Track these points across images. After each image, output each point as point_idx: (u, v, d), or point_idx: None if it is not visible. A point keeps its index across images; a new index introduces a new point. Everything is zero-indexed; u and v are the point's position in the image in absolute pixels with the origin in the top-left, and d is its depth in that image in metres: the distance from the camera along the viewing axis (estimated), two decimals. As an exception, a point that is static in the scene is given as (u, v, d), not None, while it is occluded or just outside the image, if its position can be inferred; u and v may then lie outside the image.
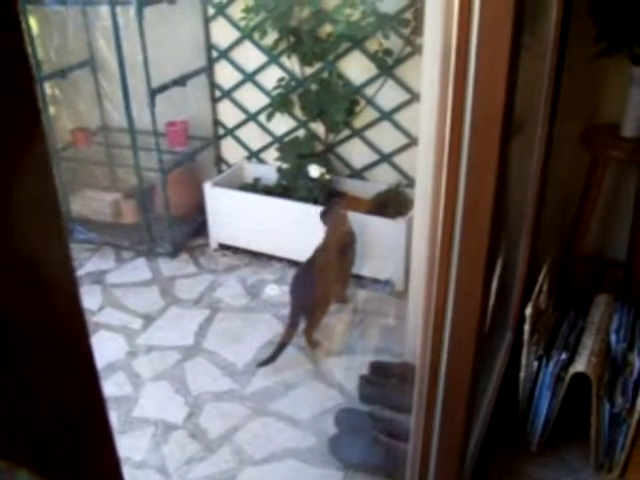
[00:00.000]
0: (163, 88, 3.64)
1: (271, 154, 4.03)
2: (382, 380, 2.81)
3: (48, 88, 4.13)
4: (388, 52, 3.35)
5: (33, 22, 3.95)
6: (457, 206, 1.32)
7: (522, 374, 2.26)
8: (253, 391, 2.97)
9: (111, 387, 3.08)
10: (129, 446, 2.74)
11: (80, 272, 4.03)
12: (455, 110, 1.24)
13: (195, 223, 4.22)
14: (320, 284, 3.18)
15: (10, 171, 0.41)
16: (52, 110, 4.22)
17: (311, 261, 3.18)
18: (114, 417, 2.90)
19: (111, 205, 4.39)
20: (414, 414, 1.62)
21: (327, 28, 3.38)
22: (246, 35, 3.72)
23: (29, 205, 0.42)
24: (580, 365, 2.15)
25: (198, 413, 2.88)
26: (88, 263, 4.13)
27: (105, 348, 3.35)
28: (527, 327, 2.18)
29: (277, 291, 3.68)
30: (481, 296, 1.37)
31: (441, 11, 1.20)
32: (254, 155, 4.17)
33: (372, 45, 3.42)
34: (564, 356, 2.20)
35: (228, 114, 4.13)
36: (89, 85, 4.31)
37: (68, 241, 0.48)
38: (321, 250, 3.18)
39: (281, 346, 3.07)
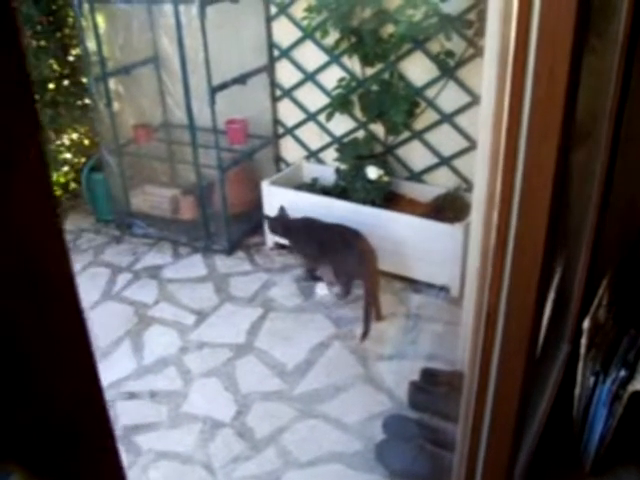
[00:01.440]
0: (223, 86, 3.66)
1: (330, 154, 4.01)
2: (432, 388, 2.75)
3: (112, 84, 4.21)
4: (450, 54, 3.29)
5: (100, 20, 4.03)
6: (511, 214, 1.27)
7: (577, 390, 2.17)
8: (302, 392, 2.96)
9: (162, 381, 3.12)
10: (176, 441, 2.76)
11: (137, 266, 4.10)
12: (511, 114, 1.19)
13: (252, 221, 4.24)
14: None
15: (9, 175, 0.40)
16: (116, 106, 4.30)
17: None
18: (164, 411, 2.93)
19: (170, 201, 4.44)
20: (460, 425, 1.57)
21: (389, 28, 3.34)
22: (308, 34, 3.71)
23: (27, 209, 0.41)
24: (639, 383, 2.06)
25: (246, 412, 2.88)
26: (145, 257, 4.19)
27: (158, 342, 3.39)
28: (584, 341, 2.09)
29: (326, 291, 3.67)
30: (534, 307, 1.32)
31: (499, 11, 1.15)
32: (313, 155, 4.16)
33: (434, 46, 3.37)
34: (623, 373, 2.11)
35: (288, 113, 4.13)
36: (152, 82, 4.38)
37: (66, 243, 0.46)
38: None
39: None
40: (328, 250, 3.50)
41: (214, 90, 3.61)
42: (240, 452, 2.67)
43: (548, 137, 1.14)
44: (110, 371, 3.21)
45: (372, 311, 3.32)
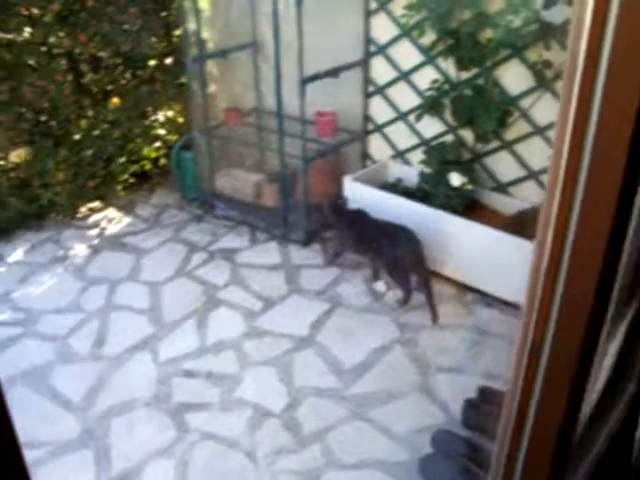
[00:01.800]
0: (315, 78, 3.65)
1: (417, 156, 3.93)
2: (488, 407, 2.65)
3: (209, 66, 4.27)
4: (548, 64, 3.14)
5: (204, 2, 4.09)
6: (567, 240, 1.18)
7: (639, 433, 2.04)
8: (355, 393, 2.92)
9: (220, 364, 3.15)
10: (224, 424, 2.78)
11: (214, 247, 4.16)
12: (575, 133, 1.11)
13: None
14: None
15: None
16: (210, 88, 4.36)
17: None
18: (216, 393, 2.96)
19: (254, 186, 4.48)
20: (495, 453, 1.50)
21: (487, 33, 3.22)
22: (405, 33, 3.64)
23: None
24: None
25: (297, 405, 2.87)
26: (223, 239, 4.25)
27: (222, 325, 3.42)
28: (652, 382, 1.96)
29: (384, 288, 3.61)
30: (581, 343, 1.23)
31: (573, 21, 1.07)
32: (400, 155, 4.10)
33: (532, 55, 3.23)
34: (691, 421, 1.96)
35: (379, 110, 4.08)
36: (248, 67, 4.42)
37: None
38: None
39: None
40: (377, 246, 3.53)
41: (305, 81, 3.60)
42: (285, 445, 2.66)
43: (615, 151, 1.06)
44: (171, 347, 3.27)
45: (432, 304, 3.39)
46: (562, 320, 1.23)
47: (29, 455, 2.64)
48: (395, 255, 3.43)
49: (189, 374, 3.09)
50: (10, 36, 3.79)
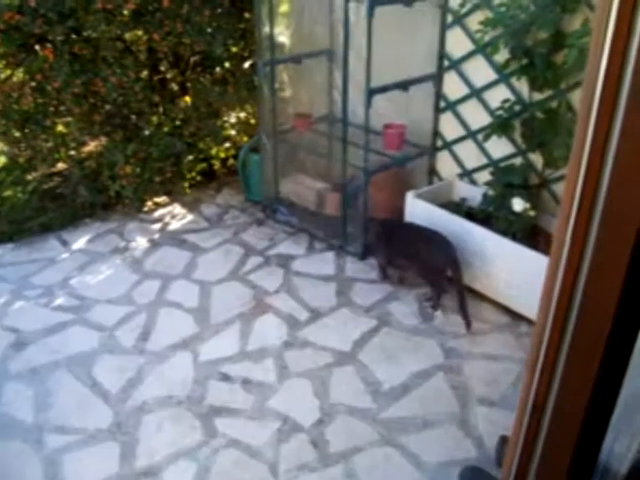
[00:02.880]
0: (383, 89, 3.57)
1: (484, 176, 3.80)
2: (524, 448, 2.51)
3: (282, 71, 4.26)
4: (625, 91, 2.96)
5: (283, 7, 4.09)
6: (577, 286, 1.09)
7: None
8: (389, 417, 2.82)
9: (258, 371, 3.12)
10: (252, 433, 2.74)
11: (270, 252, 4.14)
12: (592, 162, 1.02)
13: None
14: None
15: None
16: (281, 92, 4.35)
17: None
18: (250, 401, 2.92)
19: (317, 194, 4.45)
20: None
21: (563, 54, 3.06)
22: (480, 49, 3.51)
23: None
24: None
25: (327, 422, 2.80)
26: (281, 245, 4.23)
27: (266, 332, 3.40)
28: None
29: (437, 313, 3.50)
30: (587, 399, 1.12)
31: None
32: (467, 174, 3.97)
33: (609, 80, 3.05)
34: None
35: (448, 127, 3.96)
36: (321, 74, 4.38)
37: None
38: None
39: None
40: (414, 250, 3.59)
41: (372, 92, 3.53)
42: (308, 461, 2.60)
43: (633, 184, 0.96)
44: (212, 349, 3.27)
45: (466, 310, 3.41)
46: (566, 381, 1.14)
47: (59, 440, 2.69)
48: (429, 257, 3.51)
49: (225, 378, 3.07)
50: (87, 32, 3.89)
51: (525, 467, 1.21)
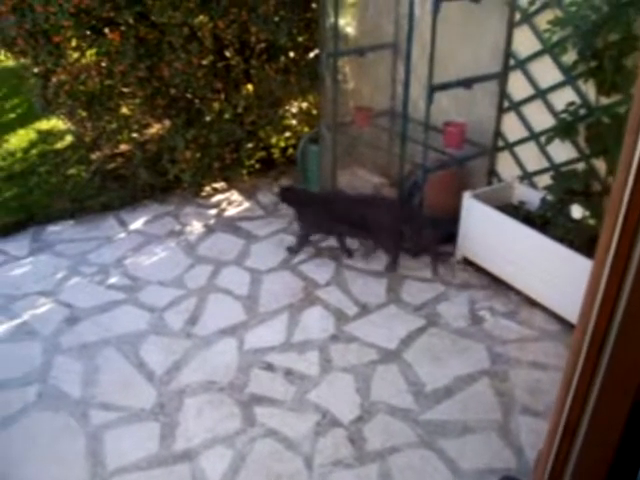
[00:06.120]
0: (444, 86, 3.51)
1: (545, 180, 3.70)
2: (565, 462, 2.45)
3: (345, 63, 4.23)
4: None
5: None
6: (615, 316, 1.04)
7: None
8: (429, 419, 2.79)
9: (301, 363, 3.13)
10: (290, 424, 2.76)
11: (323, 244, 4.14)
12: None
13: (447, 229, 4.05)
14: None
15: None
16: (343, 85, 4.32)
17: None
18: (290, 392, 2.94)
19: (374, 188, 4.42)
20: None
21: (634, 58, 2.95)
22: (547, 49, 3.41)
23: None
24: None
25: (367, 419, 2.79)
26: (332, 238, 4.21)
27: (313, 324, 3.40)
28: None
29: (488, 316, 3.43)
30: (623, 422, 1.08)
31: None
32: (527, 177, 3.87)
33: (682, 88, 2.92)
34: None
35: (511, 127, 3.87)
36: (385, 68, 4.33)
37: None
38: None
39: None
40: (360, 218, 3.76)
41: (433, 88, 3.48)
42: (344, 457, 2.60)
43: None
44: (258, 338, 3.29)
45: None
46: (602, 404, 1.10)
47: (103, 416, 2.76)
48: (380, 221, 3.71)
49: (269, 367, 3.09)
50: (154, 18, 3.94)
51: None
